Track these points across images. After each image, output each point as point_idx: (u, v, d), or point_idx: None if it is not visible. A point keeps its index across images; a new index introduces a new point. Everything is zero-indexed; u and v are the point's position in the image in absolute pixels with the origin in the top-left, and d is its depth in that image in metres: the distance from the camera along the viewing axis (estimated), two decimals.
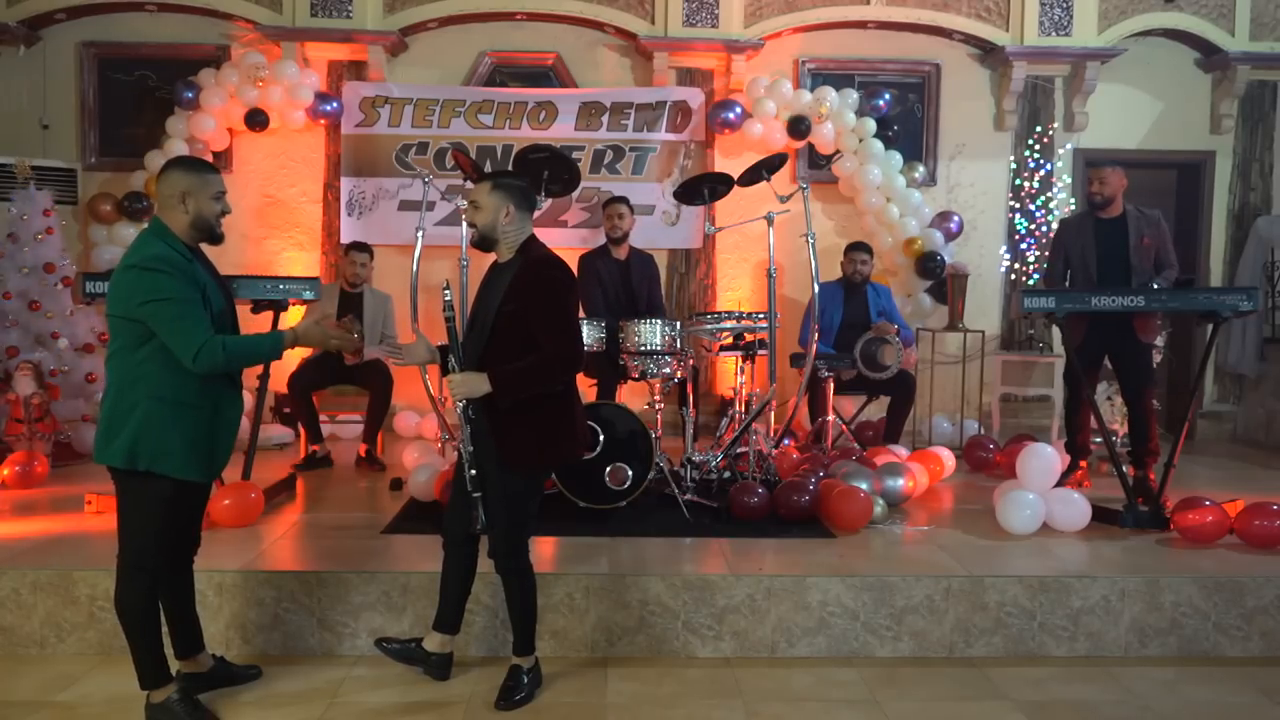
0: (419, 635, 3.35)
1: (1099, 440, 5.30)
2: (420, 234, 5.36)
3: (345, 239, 6.78)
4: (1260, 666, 3.56)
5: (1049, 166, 7.30)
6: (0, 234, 6.04)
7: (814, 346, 5.29)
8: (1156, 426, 5.23)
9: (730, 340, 5.06)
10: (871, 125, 7.01)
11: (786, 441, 5.53)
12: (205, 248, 3.04)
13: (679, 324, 4.84)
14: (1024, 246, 7.29)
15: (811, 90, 7.09)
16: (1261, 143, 7.52)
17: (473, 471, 3.08)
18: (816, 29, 7.32)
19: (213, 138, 6.92)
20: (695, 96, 7.18)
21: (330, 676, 3.36)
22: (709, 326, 4.96)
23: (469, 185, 5.84)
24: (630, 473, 4.39)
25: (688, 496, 4.55)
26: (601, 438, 4.38)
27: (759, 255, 7.19)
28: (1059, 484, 4.56)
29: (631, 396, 5.60)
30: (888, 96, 7.11)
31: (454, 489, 3.24)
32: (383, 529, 4.27)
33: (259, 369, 4.35)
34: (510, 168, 6.37)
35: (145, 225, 2.97)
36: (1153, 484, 4.82)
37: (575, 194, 6.19)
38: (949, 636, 3.62)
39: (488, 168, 6.83)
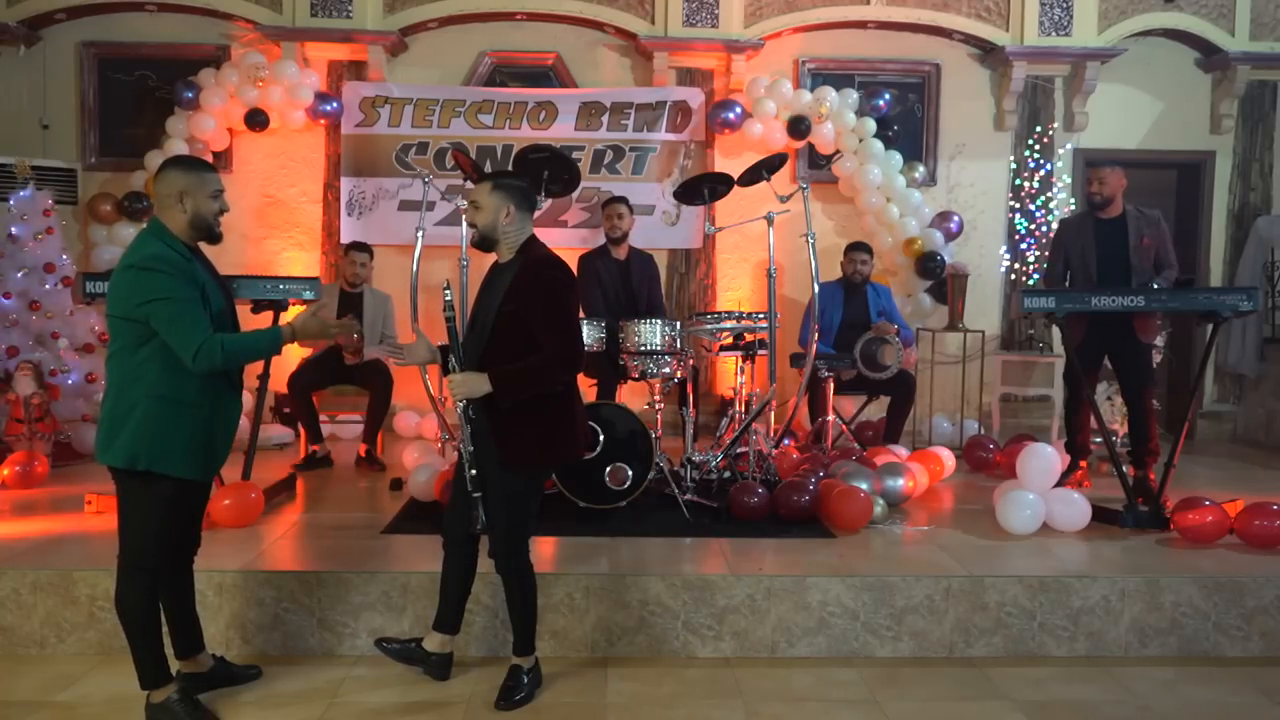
0: (419, 635, 3.35)
1: (1099, 440, 5.30)
2: (420, 234, 5.36)
3: (345, 239, 6.78)
4: (1260, 666, 3.56)
5: (1049, 166, 7.30)
6: (0, 234, 6.04)
7: (814, 346, 5.29)
8: (1156, 426, 5.23)
9: (730, 340, 5.06)
10: (871, 125, 7.01)
11: (786, 441, 5.53)
12: (204, 248, 3.05)
13: (679, 324, 4.84)
14: (1024, 246, 7.29)
15: (811, 90, 7.09)
16: (1261, 143, 7.52)
17: (473, 471, 3.08)
18: (816, 29, 7.32)
19: (213, 138, 6.92)
20: (695, 96, 7.18)
21: (330, 676, 3.36)
22: (709, 326, 4.96)
23: (469, 185, 5.84)
24: (630, 473, 4.39)
25: (688, 496, 4.55)
26: (601, 438, 4.38)
27: (759, 255, 7.19)
28: (1059, 484, 4.56)
29: (631, 396, 5.59)
30: (888, 96, 7.11)
31: (454, 489, 3.25)
32: (383, 529, 4.27)
33: (259, 369, 4.35)
34: (510, 168, 6.37)
35: (144, 225, 2.97)
36: (1153, 484, 4.82)
37: (575, 194, 6.19)
38: (949, 636, 3.62)
39: (488, 168, 6.83)
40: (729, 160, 7.08)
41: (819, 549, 4.01)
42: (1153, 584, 3.66)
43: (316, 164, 7.24)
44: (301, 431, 5.82)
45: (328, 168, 7.22)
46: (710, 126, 7.14)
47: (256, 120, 6.84)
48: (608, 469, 4.38)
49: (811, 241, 5.16)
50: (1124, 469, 4.69)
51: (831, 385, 5.58)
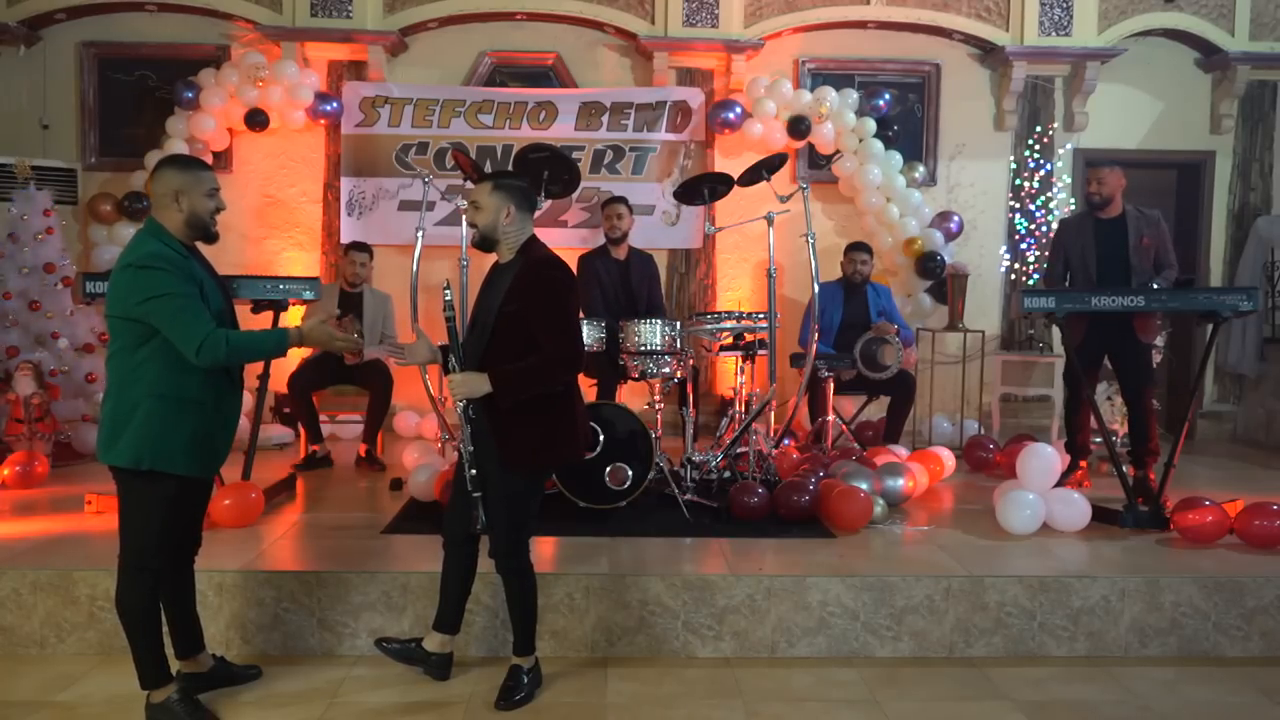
0: (419, 635, 3.35)
1: (1099, 440, 5.30)
2: (420, 234, 5.36)
3: (345, 239, 6.78)
4: (1260, 666, 3.56)
5: (1049, 166, 7.30)
6: (0, 234, 6.04)
7: (814, 346, 5.29)
8: (1156, 426, 5.23)
9: (730, 340, 5.06)
10: (871, 125, 7.01)
11: (786, 441, 5.53)
12: (205, 249, 3.05)
13: (679, 324, 4.84)
14: (1024, 246, 7.30)
15: (811, 90, 7.09)
16: (1261, 143, 7.52)
17: (473, 471, 3.08)
18: (816, 29, 7.32)
19: (213, 138, 6.92)
20: (695, 96, 7.18)
21: (330, 676, 3.36)
22: (709, 326, 4.96)
23: (469, 185, 5.84)
24: (630, 473, 4.39)
25: (688, 496, 4.55)
26: (601, 438, 4.38)
27: (759, 255, 7.19)
28: (1059, 484, 4.56)
29: (631, 396, 5.60)
30: (888, 96, 7.11)
31: (454, 489, 3.25)
32: (383, 529, 4.27)
33: (259, 368, 4.35)
34: (510, 168, 6.37)
35: (141, 225, 2.97)
36: (1153, 484, 4.81)
37: (575, 194, 6.19)
38: (949, 636, 3.62)
39: (488, 168, 6.82)
40: (729, 160, 7.08)
41: (819, 549, 4.01)
42: (1153, 584, 3.66)
43: (316, 164, 7.24)
44: (301, 431, 5.82)
45: (328, 168, 7.22)
46: (710, 126, 7.14)
47: (256, 120, 6.84)
48: (608, 469, 4.38)
49: (811, 241, 5.16)
50: (1124, 469, 4.69)
51: (831, 385, 5.58)
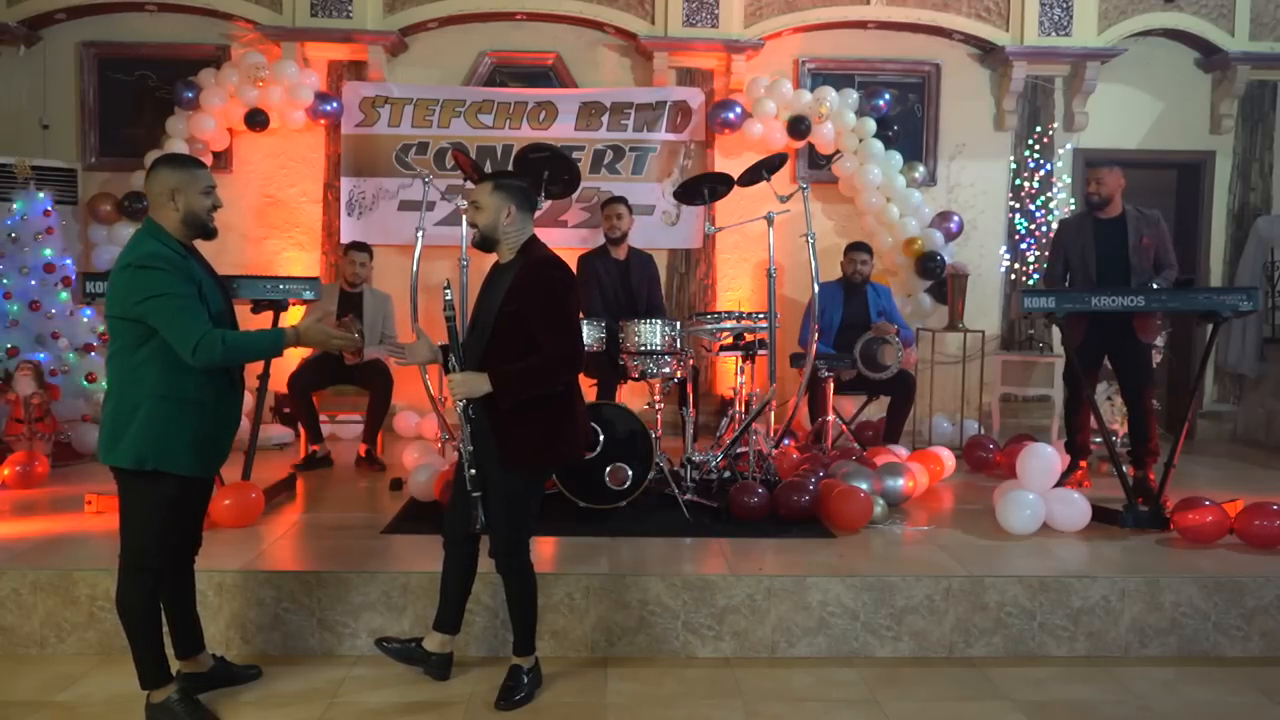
0: (419, 635, 3.35)
1: (1099, 440, 5.30)
2: (420, 234, 5.36)
3: (345, 239, 6.77)
4: (1260, 666, 3.56)
5: (1049, 166, 7.30)
6: (0, 234, 6.04)
7: (814, 346, 5.29)
8: (1156, 426, 5.23)
9: (730, 340, 5.06)
10: (871, 125, 7.01)
11: (786, 441, 5.53)
12: (204, 248, 3.05)
13: (679, 324, 4.84)
14: (1024, 246, 7.29)
15: (811, 90, 7.09)
16: (1261, 143, 7.52)
17: (472, 471, 3.08)
18: (816, 29, 7.32)
19: (213, 138, 6.92)
20: (695, 96, 7.18)
21: (330, 676, 3.36)
22: (709, 326, 4.96)
23: (469, 185, 5.85)
24: (630, 473, 4.39)
25: (688, 496, 4.55)
26: (601, 438, 4.38)
27: (759, 255, 7.19)
28: (1059, 484, 4.56)
29: (631, 396, 5.60)
30: (888, 96, 7.11)
31: (454, 489, 3.25)
32: (383, 529, 4.27)
33: (259, 369, 4.35)
34: (510, 168, 6.37)
35: (140, 225, 2.97)
36: (1153, 484, 4.82)
37: (575, 194, 6.20)
38: (949, 636, 3.62)
39: (488, 168, 6.82)
40: (729, 160, 7.08)
41: (819, 549, 4.01)
42: (1153, 584, 3.66)
43: (316, 164, 7.24)
44: (301, 431, 5.82)
45: (328, 168, 7.22)
46: (710, 126, 7.14)
47: (256, 120, 6.84)
48: (608, 469, 4.38)
49: (811, 241, 5.16)
50: (1124, 469, 4.69)
51: (831, 385, 5.58)
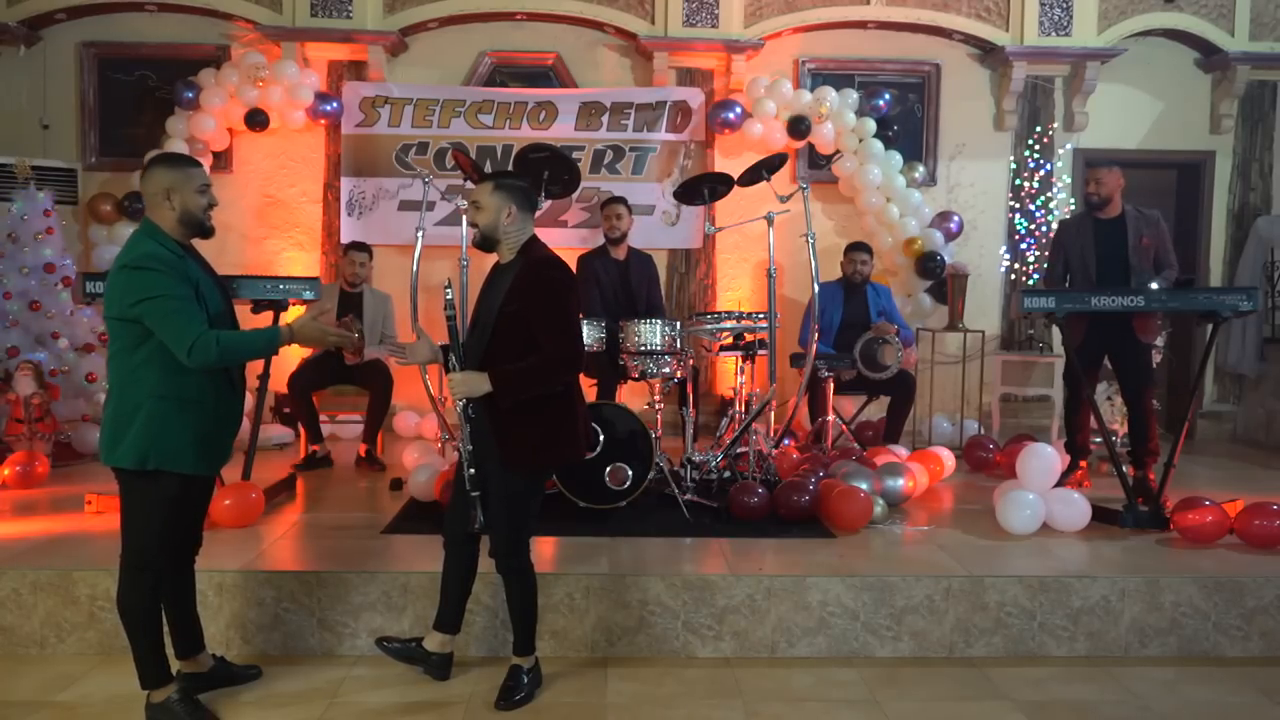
0: (419, 635, 3.35)
1: (1099, 440, 5.30)
2: (420, 234, 5.36)
3: (345, 239, 6.77)
4: (1260, 666, 3.56)
5: (1049, 166, 7.30)
6: (0, 234, 6.04)
7: (814, 346, 5.29)
8: (1156, 426, 5.23)
9: (730, 340, 5.06)
10: (871, 125, 7.01)
11: (786, 441, 5.53)
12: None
13: (679, 324, 4.84)
14: (1024, 246, 7.30)
15: (811, 90, 7.10)
16: (1261, 143, 7.52)
17: (471, 470, 3.08)
18: (816, 29, 7.32)
19: (213, 138, 6.92)
20: (695, 96, 7.18)
21: (330, 676, 3.36)
22: (709, 326, 4.96)
23: (469, 185, 5.85)
24: (630, 473, 4.39)
25: (688, 496, 4.55)
26: (601, 438, 4.38)
27: (759, 255, 7.19)
28: (1059, 484, 4.56)
29: (631, 396, 5.60)
30: (888, 96, 7.11)
31: (454, 488, 3.24)
32: (383, 529, 4.27)
33: (259, 369, 4.35)
34: (510, 168, 6.37)
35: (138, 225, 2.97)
36: (1153, 484, 4.82)
37: (575, 194, 6.20)
38: (949, 636, 3.63)
39: (488, 168, 6.83)
40: (729, 160, 7.08)
41: (819, 549, 4.01)
42: (1153, 584, 3.66)
43: (316, 164, 7.24)
44: (301, 431, 5.82)
45: (328, 168, 7.22)
46: (710, 126, 7.14)
47: (256, 120, 6.84)
48: (608, 469, 4.38)
49: (811, 241, 5.16)
50: (1124, 469, 4.69)
51: (831, 385, 5.58)
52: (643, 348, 4.71)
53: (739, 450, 5.02)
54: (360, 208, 7.14)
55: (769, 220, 5.07)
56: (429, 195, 5.43)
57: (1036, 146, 7.33)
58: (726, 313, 5.23)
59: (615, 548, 3.99)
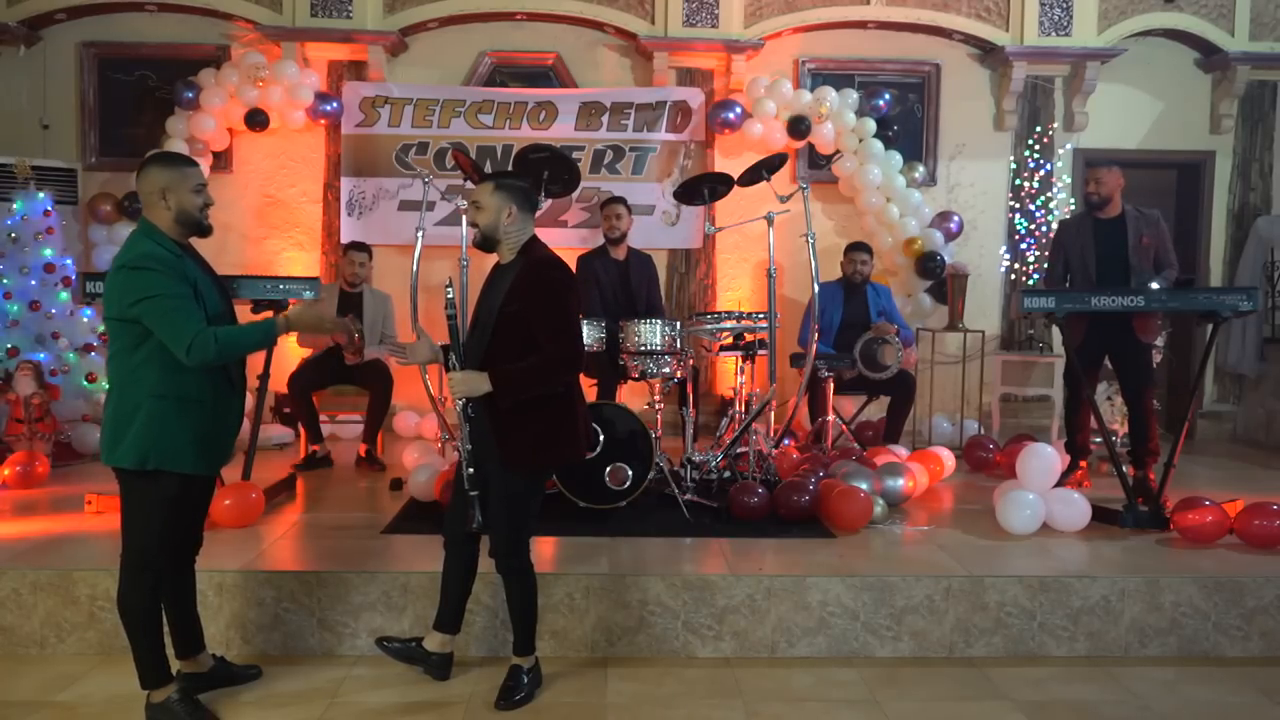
0: (419, 635, 3.35)
1: (1099, 440, 5.30)
2: (420, 234, 5.36)
3: (345, 239, 6.77)
4: (1260, 666, 3.56)
5: (1049, 166, 7.30)
6: (0, 234, 6.04)
7: (814, 346, 5.29)
8: (1156, 426, 5.23)
9: (730, 340, 5.06)
10: (871, 125, 7.01)
11: (786, 441, 5.53)
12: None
13: (679, 324, 4.84)
14: (1024, 246, 7.30)
15: (811, 90, 7.10)
16: (1261, 143, 7.52)
17: (470, 470, 3.08)
18: (816, 29, 7.32)
19: (213, 138, 6.91)
20: (695, 96, 7.18)
21: (330, 676, 3.36)
22: (709, 326, 4.96)
23: (469, 185, 5.84)
24: (630, 473, 4.39)
25: (688, 496, 4.55)
26: (601, 438, 4.38)
27: (759, 255, 7.20)
28: (1059, 484, 4.56)
29: (631, 396, 5.60)
30: (888, 96, 7.11)
31: (454, 489, 3.24)
32: (383, 529, 4.27)
33: (260, 369, 4.35)
34: (510, 168, 6.37)
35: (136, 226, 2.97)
36: (1153, 484, 4.82)
37: (575, 194, 6.20)
38: (949, 636, 3.62)
39: (488, 168, 6.83)
40: (729, 160, 7.08)
41: (819, 549, 4.01)
42: (1153, 584, 3.66)
43: (316, 164, 7.24)
44: (301, 431, 5.82)
45: (328, 168, 7.22)
46: (710, 126, 7.14)
47: (256, 120, 6.84)
48: (608, 469, 4.38)
49: (811, 241, 5.16)
50: (1124, 469, 4.69)
51: (831, 385, 5.58)
52: (643, 348, 4.71)
53: (739, 450, 5.02)
54: (360, 208, 7.14)
55: (769, 220, 5.07)
56: (429, 195, 5.43)
57: (1036, 146, 7.33)
58: (726, 313, 5.23)
59: (615, 548, 3.99)
